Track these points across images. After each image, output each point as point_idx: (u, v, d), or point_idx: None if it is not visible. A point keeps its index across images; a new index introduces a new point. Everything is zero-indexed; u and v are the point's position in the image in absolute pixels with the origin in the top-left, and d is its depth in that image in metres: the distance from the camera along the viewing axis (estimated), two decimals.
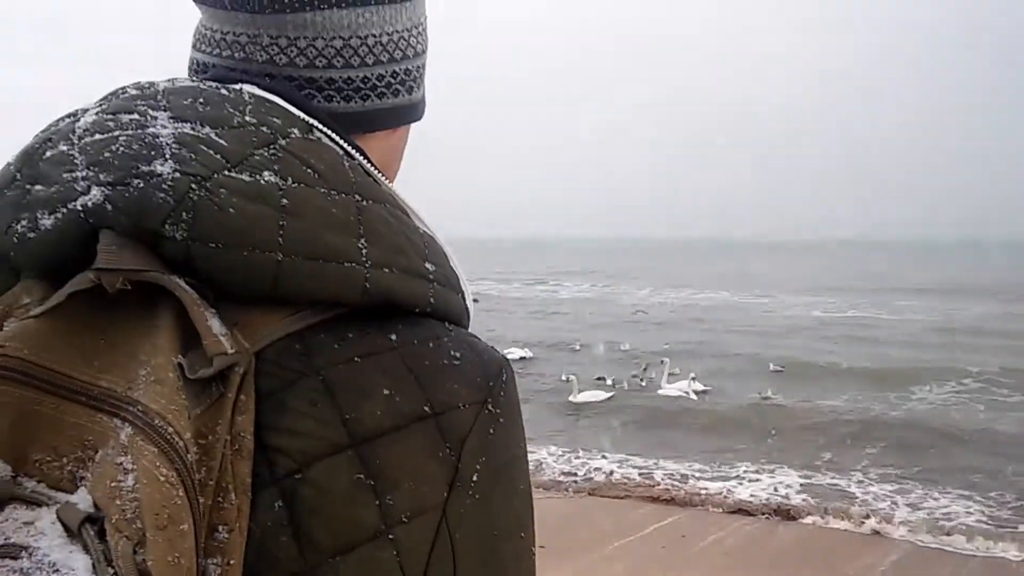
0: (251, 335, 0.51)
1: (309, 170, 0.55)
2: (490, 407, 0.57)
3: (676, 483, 8.57)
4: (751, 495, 8.15)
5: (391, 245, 0.57)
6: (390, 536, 0.51)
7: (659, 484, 8.51)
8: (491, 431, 0.56)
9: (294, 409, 0.51)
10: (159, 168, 0.51)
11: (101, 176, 0.51)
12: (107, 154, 0.52)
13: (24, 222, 0.51)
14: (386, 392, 0.53)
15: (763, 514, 7.56)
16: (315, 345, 0.53)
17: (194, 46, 0.70)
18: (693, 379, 13.42)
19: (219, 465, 0.47)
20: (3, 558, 0.42)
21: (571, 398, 12.85)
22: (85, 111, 0.58)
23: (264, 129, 0.56)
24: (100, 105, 0.58)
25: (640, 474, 8.95)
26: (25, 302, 0.50)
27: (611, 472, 9.04)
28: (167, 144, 0.53)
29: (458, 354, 0.57)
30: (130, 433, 0.45)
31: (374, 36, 0.67)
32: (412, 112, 0.72)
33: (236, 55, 0.65)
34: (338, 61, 0.65)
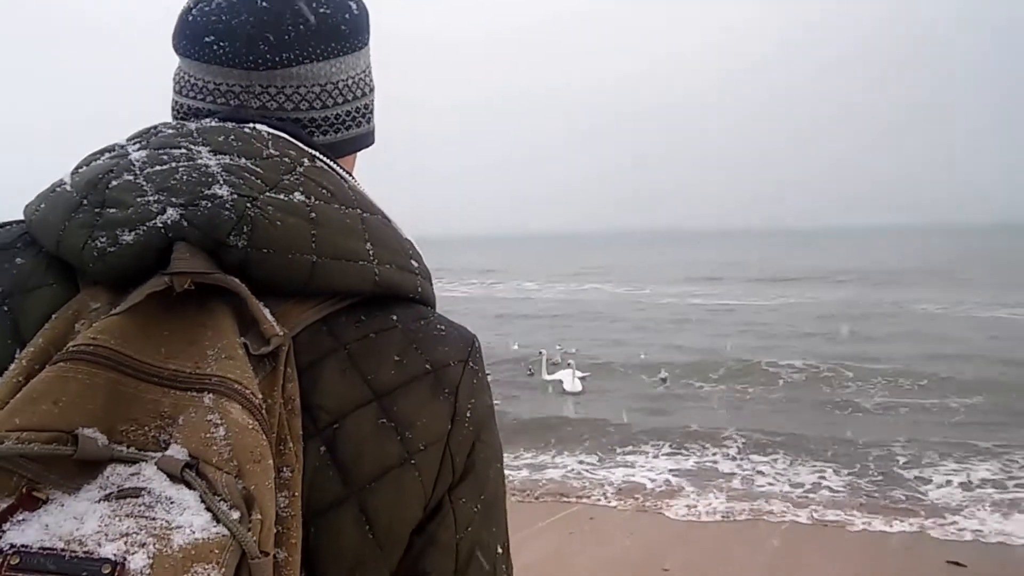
0: (287, 322, 0.64)
1: (324, 190, 0.70)
2: (471, 364, 0.74)
3: (569, 475, 8.61)
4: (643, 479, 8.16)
5: (389, 247, 0.72)
6: (412, 461, 0.66)
7: (552, 479, 8.47)
8: (474, 381, 0.73)
9: (328, 376, 0.65)
10: (219, 191, 0.64)
11: (173, 199, 0.63)
12: (172, 181, 0.64)
13: (103, 239, 0.62)
14: (396, 358, 0.69)
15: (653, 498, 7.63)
16: (338, 327, 0.68)
17: (181, 92, 0.80)
18: (571, 366, 13.02)
19: (278, 421, 0.60)
20: (126, 497, 0.52)
21: None
22: (125, 146, 0.70)
23: (286, 159, 0.70)
24: (141, 141, 0.70)
25: (532, 469, 8.93)
26: (95, 307, 0.62)
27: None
28: (218, 172, 0.65)
29: (443, 327, 0.74)
30: (213, 397, 0.56)
31: (342, 81, 0.81)
32: (368, 138, 0.87)
33: (231, 102, 0.77)
34: (317, 104, 0.80)
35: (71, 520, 0.51)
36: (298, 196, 0.67)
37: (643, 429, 9.86)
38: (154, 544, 0.50)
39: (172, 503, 0.52)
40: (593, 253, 79.94)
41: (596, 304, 27.75)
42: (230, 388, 0.57)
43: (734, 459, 8.59)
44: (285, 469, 0.59)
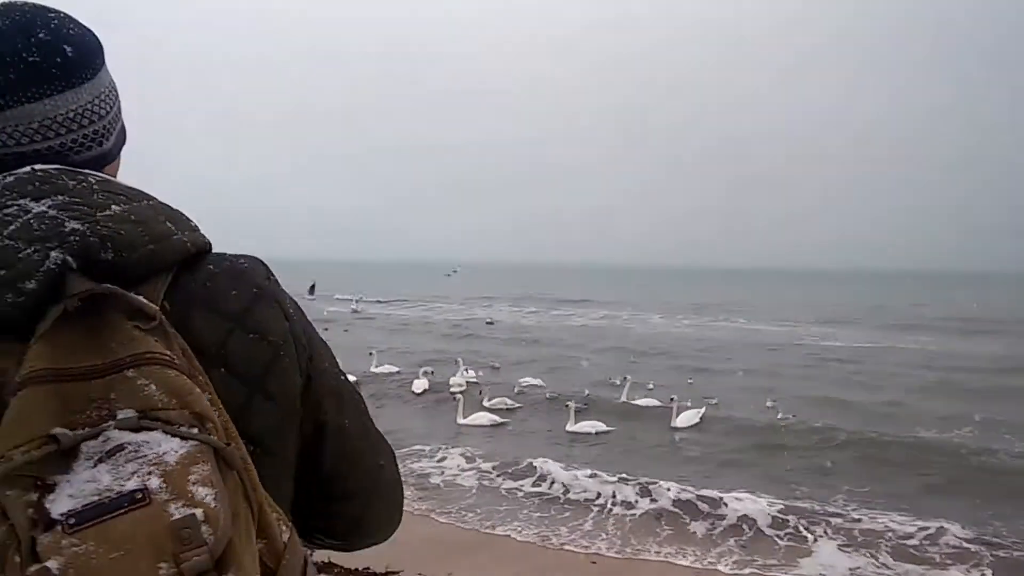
0: (153, 298, 0.82)
1: (121, 196, 0.87)
2: (272, 277, 0.97)
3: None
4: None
5: (178, 220, 0.91)
6: (281, 352, 0.91)
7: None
8: (277, 287, 0.97)
9: (198, 323, 0.86)
10: (74, 226, 0.80)
11: (47, 245, 0.77)
12: (36, 233, 0.78)
13: (10, 295, 0.75)
14: (232, 292, 0.91)
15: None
16: (183, 288, 0.88)
17: None
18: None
19: (186, 363, 0.80)
20: (113, 454, 0.70)
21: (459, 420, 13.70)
22: None
23: (83, 184, 0.85)
24: None
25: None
26: (6, 349, 0.76)
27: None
28: (58, 215, 0.80)
29: (241, 260, 0.96)
30: (134, 370, 0.75)
31: (60, 115, 0.90)
32: (106, 157, 0.97)
33: None
34: (37, 137, 0.89)
35: (88, 483, 0.69)
36: (115, 208, 0.84)
37: None
38: (157, 469, 0.70)
39: (147, 443, 0.71)
40: (702, 288, 79.14)
41: (762, 342, 28.05)
42: (143, 358, 0.75)
43: None
44: (205, 393, 0.78)
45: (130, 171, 1.03)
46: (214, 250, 0.96)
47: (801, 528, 8.32)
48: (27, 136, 0.88)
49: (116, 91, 1.00)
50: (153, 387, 0.74)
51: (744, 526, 8.43)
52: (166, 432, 0.73)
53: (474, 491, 9.75)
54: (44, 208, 0.81)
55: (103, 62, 0.97)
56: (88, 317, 0.76)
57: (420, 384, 16.71)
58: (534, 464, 10.43)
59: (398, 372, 18.26)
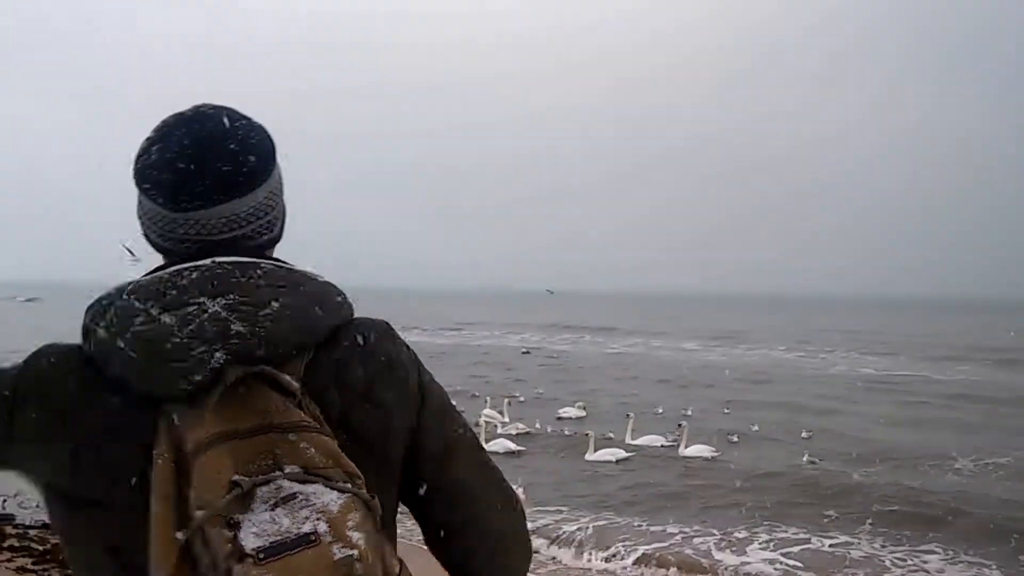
0: (293, 373, 0.96)
1: (281, 287, 0.99)
2: (399, 341, 1.11)
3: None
4: None
5: (327, 302, 1.03)
6: (394, 418, 1.04)
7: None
8: (404, 350, 1.10)
9: (328, 396, 0.99)
10: (238, 328, 0.94)
11: (213, 347, 0.92)
12: (207, 335, 0.92)
13: (182, 384, 0.91)
14: (360, 371, 1.03)
15: None
16: (320, 365, 1.00)
17: (151, 231, 1.07)
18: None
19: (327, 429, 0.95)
20: (288, 501, 0.86)
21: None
22: (151, 312, 0.95)
23: (251, 279, 0.98)
24: (157, 303, 0.95)
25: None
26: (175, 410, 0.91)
27: None
28: (227, 316, 0.94)
29: (369, 334, 1.07)
30: (295, 433, 0.91)
31: (243, 211, 1.05)
32: (274, 241, 1.13)
33: (179, 232, 1.03)
34: (227, 229, 1.04)
35: (270, 523, 0.84)
36: (275, 304, 0.97)
37: None
38: (323, 516, 0.85)
39: (315, 494, 0.87)
40: (719, 315, 77.92)
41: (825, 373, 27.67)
42: (300, 426, 0.91)
43: None
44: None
45: None
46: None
47: None
48: (216, 228, 1.04)
49: (282, 181, 1.15)
50: (312, 449, 0.91)
51: None
52: (327, 486, 0.88)
53: None
54: (218, 308, 0.95)
55: (275, 160, 1.11)
56: (242, 388, 0.92)
57: None
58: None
59: None
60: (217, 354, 0.92)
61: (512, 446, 13.61)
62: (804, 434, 15.21)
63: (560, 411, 17.20)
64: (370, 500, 0.91)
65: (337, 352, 1.03)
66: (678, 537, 9.25)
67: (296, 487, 0.87)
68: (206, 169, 1.02)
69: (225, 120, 1.06)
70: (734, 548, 8.88)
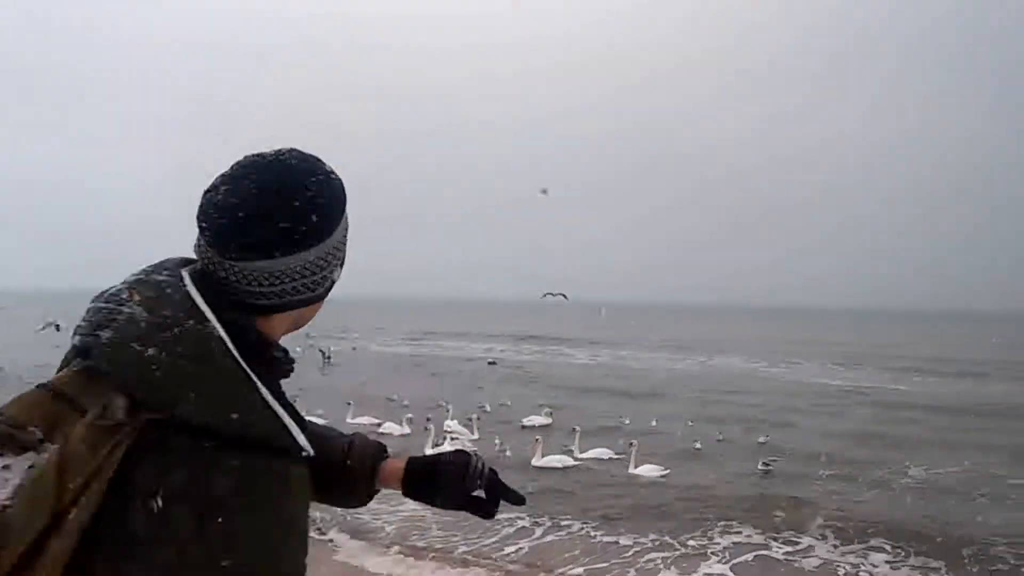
0: (137, 421, 0.95)
1: (179, 348, 0.97)
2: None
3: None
4: None
5: (214, 400, 0.99)
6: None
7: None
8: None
9: (143, 462, 0.95)
10: (102, 335, 0.96)
11: (79, 331, 1.01)
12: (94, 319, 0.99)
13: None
14: (172, 473, 0.97)
15: None
16: (169, 436, 0.96)
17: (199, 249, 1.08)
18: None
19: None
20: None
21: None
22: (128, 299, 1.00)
23: (168, 320, 0.98)
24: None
25: None
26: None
27: None
28: (116, 319, 0.98)
29: (235, 462, 1.00)
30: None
31: (290, 268, 1.04)
32: (312, 300, 1.11)
33: (207, 266, 1.05)
34: (264, 283, 1.04)
35: None
36: (151, 351, 0.94)
37: None
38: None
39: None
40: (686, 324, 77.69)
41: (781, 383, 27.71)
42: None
43: None
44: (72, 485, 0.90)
45: None
46: None
47: None
48: (256, 281, 1.03)
49: (345, 241, 1.11)
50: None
51: None
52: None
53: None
54: (127, 310, 0.99)
55: (340, 220, 1.08)
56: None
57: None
58: None
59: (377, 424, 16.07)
60: (75, 337, 1.00)
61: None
62: (761, 439, 15.40)
63: (525, 420, 16.97)
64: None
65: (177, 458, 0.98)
66: (631, 553, 9.09)
67: None
68: (263, 223, 1.01)
69: (299, 174, 1.04)
70: (685, 562, 8.79)
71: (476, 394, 21.57)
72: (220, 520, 0.97)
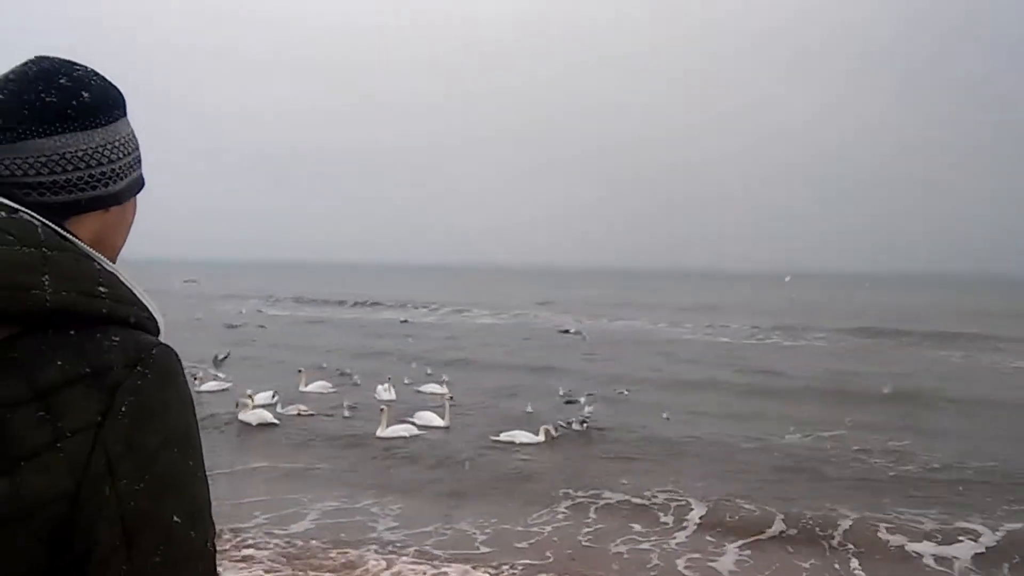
0: None
1: (9, 236, 0.85)
2: (139, 368, 0.87)
3: None
4: None
5: (72, 277, 0.87)
6: (58, 445, 0.81)
7: None
8: (139, 382, 0.86)
9: (2, 379, 0.82)
10: None
11: None
12: None
13: None
14: (59, 363, 0.84)
15: None
16: (20, 344, 0.84)
17: None
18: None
19: None
20: None
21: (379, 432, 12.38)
22: None
23: None
24: None
25: None
26: None
27: None
28: None
29: (118, 338, 0.88)
30: None
31: (71, 152, 0.94)
32: (112, 199, 1.00)
33: None
34: (44, 170, 0.93)
35: None
36: None
37: None
38: None
39: None
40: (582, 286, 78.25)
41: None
42: None
43: None
44: None
45: None
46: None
47: None
48: (34, 169, 0.93)
49: (135, 143, 1.04)
50: None
51: None
52: None
53: None
54: None
55: (123, 114, 1.02)
56: None
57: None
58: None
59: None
60: None
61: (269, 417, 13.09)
62: (623, 391, 16.53)
63: (422, 387, 16.72)
64: None
65: (50, 338, 0.85)
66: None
67: None
68: (24, 98, 0.92)
69: (63, 62, 0.98)
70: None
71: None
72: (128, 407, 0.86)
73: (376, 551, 7.74)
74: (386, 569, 7.24)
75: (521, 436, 12.24)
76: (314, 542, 7.95)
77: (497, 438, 12.35)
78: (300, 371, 16.88)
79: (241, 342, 24.50)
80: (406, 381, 17.29)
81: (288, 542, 7.94)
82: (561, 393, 15.67)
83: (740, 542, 8.09)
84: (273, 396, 14.39)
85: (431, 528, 8.51)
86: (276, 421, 13.18)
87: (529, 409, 14.34)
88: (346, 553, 7.61)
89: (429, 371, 18.72)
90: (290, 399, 14.70)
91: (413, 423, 12.98)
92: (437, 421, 13.20)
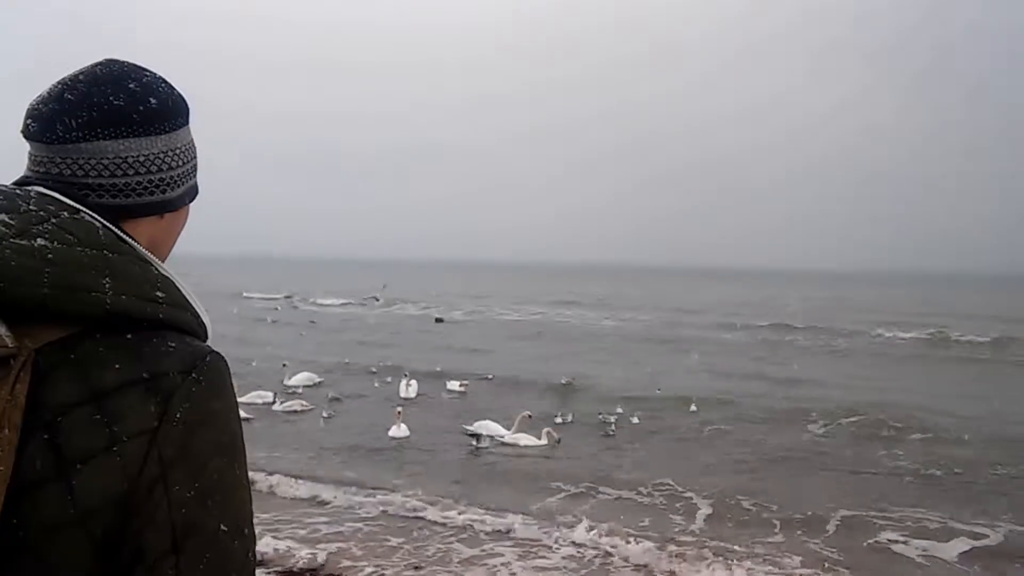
0: (35, 339, 0.83)
1: (71, 236, 0.87)
2: (193, 375, 0.88)
3: None
4: None
5: (131, 281, 0.88)
6: (114, 449, 0.82)
7: None
8: (193, 389, 0.87)
9: (56, 380, 0.83)
10: None
11: None
12: None
13: None
14: (116, 366, 0.84)
15: None
16: (76, 343, 0.85)
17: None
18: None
19: (1, 412, 0.79)
20: None
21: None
22: None
23: (41, 213, 0.88)
24: None
25: None
26: None
27: None
28: None
29: (174, 345, 0.89)
30: None
31: (132, 157, 0.96)
32: (167, 205, 1.02)
33: (41, 169, 0.96)
34: (105, 173, 0.95)
35: None
36: (40, 241, 0.84)
37: None
38: None
39: None
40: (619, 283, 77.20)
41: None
42: None
43: None
44: None
45: None
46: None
47: None
48: (95, 170, 0.95)
49: (194, 152, 1.07)
50: None
51: None
52: None
53: None
54: None
55: (186, 123, 1.04)
56: None
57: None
58: None
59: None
60: None
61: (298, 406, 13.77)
62: (563, 380, 17.02)
63: (449, 384, 16.67)
64: None
65: (108, 340, 0.87)
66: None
67: None
68: (92, 100, 0.94)
69: (133, 67, 1.00)
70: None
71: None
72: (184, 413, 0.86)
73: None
74: None
75: (494, 428, 12.23)
76: None
77: (501, 439, 12.07)
78: (284, 364, 17.06)
79: (298, 340, 24.58)
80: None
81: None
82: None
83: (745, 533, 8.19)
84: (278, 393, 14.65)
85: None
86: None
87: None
88: None
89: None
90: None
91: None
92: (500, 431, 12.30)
